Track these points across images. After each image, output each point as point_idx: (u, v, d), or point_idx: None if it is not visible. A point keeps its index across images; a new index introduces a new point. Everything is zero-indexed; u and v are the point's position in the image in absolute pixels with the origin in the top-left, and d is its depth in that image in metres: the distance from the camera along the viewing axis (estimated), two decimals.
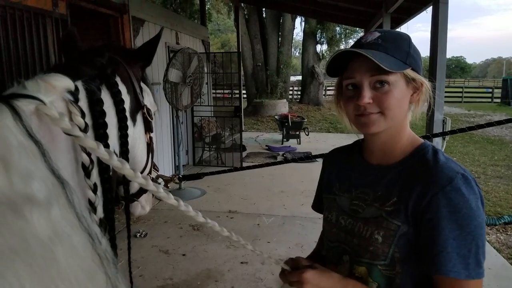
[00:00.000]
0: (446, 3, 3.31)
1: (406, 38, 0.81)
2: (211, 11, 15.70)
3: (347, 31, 15.43)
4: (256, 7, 13.93)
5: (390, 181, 0.80)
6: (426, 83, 0.81)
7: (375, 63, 0.73)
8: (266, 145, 8.07)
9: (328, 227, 0.91)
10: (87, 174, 0.70)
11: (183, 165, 5.39)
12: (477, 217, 0.71)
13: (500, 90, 20.19)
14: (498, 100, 19.68)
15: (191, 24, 6.36)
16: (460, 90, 22.63)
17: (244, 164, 6.13)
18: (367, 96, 0.76)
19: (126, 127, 0.82)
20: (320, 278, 0.76)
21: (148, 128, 0.94)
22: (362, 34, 13.25)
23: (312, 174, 5.75)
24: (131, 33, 4.17)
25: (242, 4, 11.16)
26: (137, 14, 4.29)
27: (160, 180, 1.12)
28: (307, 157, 2.00)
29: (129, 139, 0.83)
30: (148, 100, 0.98)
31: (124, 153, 0.82)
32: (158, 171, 1.12)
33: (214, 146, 6.32)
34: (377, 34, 0.79)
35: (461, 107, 17.91)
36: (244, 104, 13.72)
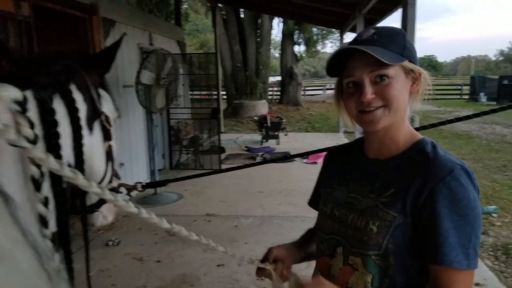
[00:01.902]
0: (414, 5, 3.42)
1: (400, 32, 0.82)
2: (188, 11, 15.56)
3: (324, 32, 15.66)
4: (233, 8, 13.91)
5: (387, 174, 0.82)
6: (425, 73, 0.82)
7: (373, 59, 0.74)
8: (246, 146, 8.07)
9: (323, 219, 0.92)
10: (37, 187, 0.68)
11: (159, 170, 5.32)
12: (475, 208, 0.72)
13: (468, 87, 20.98)
14: (467, 97, 20.46)
15: (166, 25, 6.28)
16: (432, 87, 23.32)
17: (223, 166, 6.11)
18: (369, 92, 0.77)
19: (81, 137, 0.79)
20: None
21: (107, 136, 0.92)
22: (338, 35, 13.28)
23: (290, 174, 5.82)
24: (102, 35, 4.07)
25: (219, 5, 11.12)
26: (108, 14, 4.19)
27: (122, 189, 1.09)
28: (285, 157, 2.03)
29: (85, 149, 0.81)
30: (107, 107, 0.95)
31: (80, 163, 0.80)
32: (120, 179, 1.09)
33: (192, 149, 6.27)
34: (372, 31, 0.81)
35: (432, 104, 18.42)
36: (224, 105, 13.67)
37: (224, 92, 14.74)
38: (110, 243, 3.35)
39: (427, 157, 0.78)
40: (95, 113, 0.88)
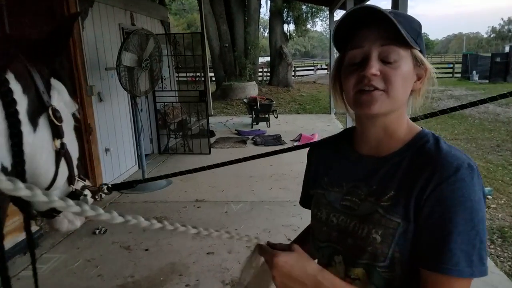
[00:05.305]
0: None
1: (416, 20, 0.73)
2: None
3: (314, 9, 15.29)
4: None
5: (386, 174, 0.72)
6: (431, 70, 0.74)
7: (387, 33, 0.67)
8: (236, 129, 7.95)
9: (318, 226, 0.82)
10: None
11: (147, 155, 5.19)
12: (480, 211, 0.65)
13: (460, 65, 20.93)
14: (459, 75, 20.43)
15: (148, 4, 6.00)
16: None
17: (213, 150, 6.01)
18: (375, 66, 0.67)
19: (20, 134, 0.67)
20: (293, 267, 0.64)
21: (56, 133, 0.78)
22: (327, 12, 12.91)
23: (281, 158, 5.70)
24: (79, 15, 3.84)
25: None
26: None
27: (86, 191, 0.96)
28: (281, 151, 1.90)
29: (26, 148, 0.68)
30: (59, 99, 0.81)
31: (19, 164, 0.68)
32: (85, 181, 0.96)
33: (180, 133, 6.12)
34: (387, 10, 0.70)
35: None
36: (212, 88, 13.38)
37: (212, 74, 14.43)
38: (97, 231, 3.26)
39: (430, 155, 0.69)
40: (40, 107, 0.75)
